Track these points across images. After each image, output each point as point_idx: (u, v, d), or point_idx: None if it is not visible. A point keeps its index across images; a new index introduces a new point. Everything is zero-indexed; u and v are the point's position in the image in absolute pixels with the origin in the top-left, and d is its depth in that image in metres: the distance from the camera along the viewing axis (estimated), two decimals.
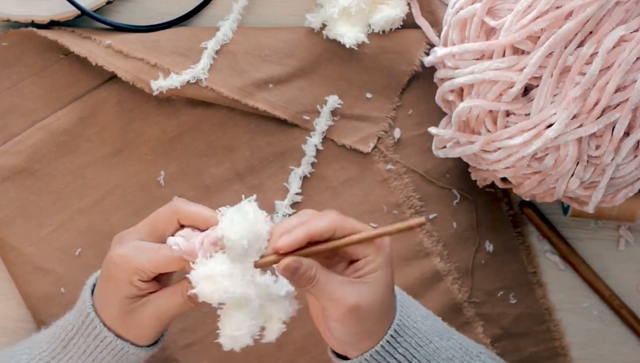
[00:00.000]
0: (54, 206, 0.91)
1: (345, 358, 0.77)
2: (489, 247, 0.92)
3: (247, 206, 0.73)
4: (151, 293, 0.76)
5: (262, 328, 0.75)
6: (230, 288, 0.72)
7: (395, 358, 0.75)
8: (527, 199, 0.87)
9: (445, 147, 0.85)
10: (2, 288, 0.91)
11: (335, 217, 0.73)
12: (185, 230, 0.75)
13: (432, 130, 0.85)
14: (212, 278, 0.72)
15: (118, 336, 0.76)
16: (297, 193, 0.91)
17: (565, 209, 0.91)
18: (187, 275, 0.73)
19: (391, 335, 0.75)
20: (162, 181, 0.91)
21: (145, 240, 0.75)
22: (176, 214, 0.75)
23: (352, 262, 0.74)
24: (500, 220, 0.92)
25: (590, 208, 0.82)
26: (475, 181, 0.90)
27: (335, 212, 0.74)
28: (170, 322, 0.77)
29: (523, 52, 0.78)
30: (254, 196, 0.75)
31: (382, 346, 0.75)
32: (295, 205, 0.91)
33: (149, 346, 0.78)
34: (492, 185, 0.91)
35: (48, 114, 0.91)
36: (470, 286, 0.91)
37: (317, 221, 0.73)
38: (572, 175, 0.79)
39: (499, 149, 0.80)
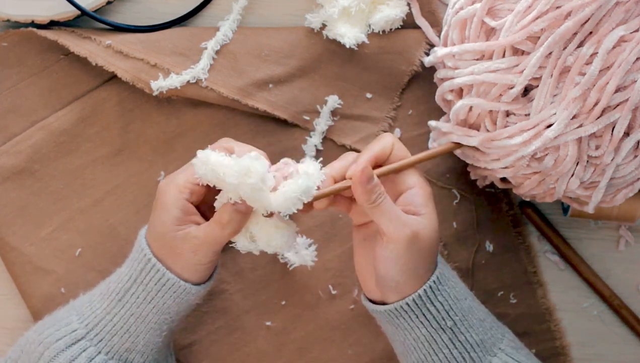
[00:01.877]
0: (54, 206, 0.91)
1: (382, 304, 0.79)
2: (489, 247, 0.92)
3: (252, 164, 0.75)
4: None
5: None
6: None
7: (435, 306, 0.77)
8: (527, 199, 0.86)
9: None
10: (2, 288, 0.91)
11: (390, 136, 0.79)
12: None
13: (432, 123, 0.85)
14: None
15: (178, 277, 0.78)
16: None
17: (565, 209, 0.91)
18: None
19: (433, 281, 0.77)
20: (162, 181, 0.91)
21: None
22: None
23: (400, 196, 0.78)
24: (500, 220, 0.92)
25: (590, 209, 0.81)
26: (476, 181, 0.90)
27: (389, 134, 0.79)
28: (212, 257, 0.78)
29: (523, 52, 0.78)
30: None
31: (424, 290, 0.77)
32: None
33: (203, 283, 0.80)
34: (493, 185, 0.91)
35: (48, 114, 0.91)
36: (470, 286, 0.91)
37: (375, 143, 0.78)
38: (572, 175, 0.79)
39: (498, 147, 0.80)
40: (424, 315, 0.77)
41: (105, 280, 0.82)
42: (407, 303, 0.77)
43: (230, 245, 0.79)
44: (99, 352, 0.78)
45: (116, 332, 0.78)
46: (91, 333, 0.79)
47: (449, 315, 0.77)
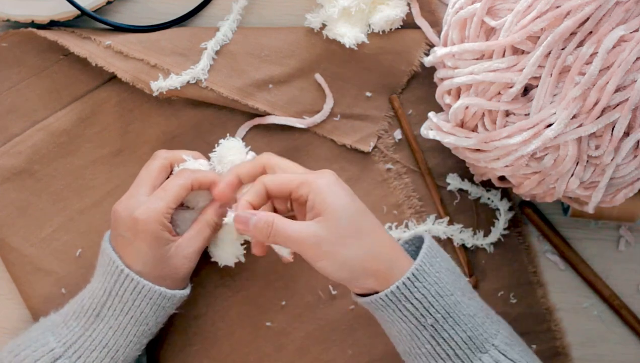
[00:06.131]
0: (54, 207, 0.91)
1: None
2: (489, 247, 0.92)
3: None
4: (173, 237, 0.81)
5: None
6: None
7: (412, 303, 0.76)
8: (527, 199, 0.86)
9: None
10: (2, 288, 0.91)
11: (263, 155, 0.82)
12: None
13: (431, 115, 0.85)
14: None
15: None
16: None
17: (565, 209, 0.91)
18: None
19: (408, 278, 0.75)
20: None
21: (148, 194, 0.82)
22: (169, 161, 0.84)
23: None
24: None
25: (590, 208, 0.81)
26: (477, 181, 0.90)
27: (268, 154, 0.82)
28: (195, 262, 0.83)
29: (523, 52, 0.78)
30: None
31: (397, 287, 0.75)
32: None
33: (181, 289, 0.83)
34: (493, 184, 0.91)
35: (48, 115, 0.91)
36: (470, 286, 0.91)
37: (245, 163, 0.82)
38: (572, 175, 0.79)
39: (497, 147, 0.80)
40: (400, 311, 0.76)
41: (75, 298, 0.82)
42: (381, 298, 0.76)
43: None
44: None
45: (95, 347, 0.78)
46: (69, 351, 0.78)
47: (429, 313, 0.76)
